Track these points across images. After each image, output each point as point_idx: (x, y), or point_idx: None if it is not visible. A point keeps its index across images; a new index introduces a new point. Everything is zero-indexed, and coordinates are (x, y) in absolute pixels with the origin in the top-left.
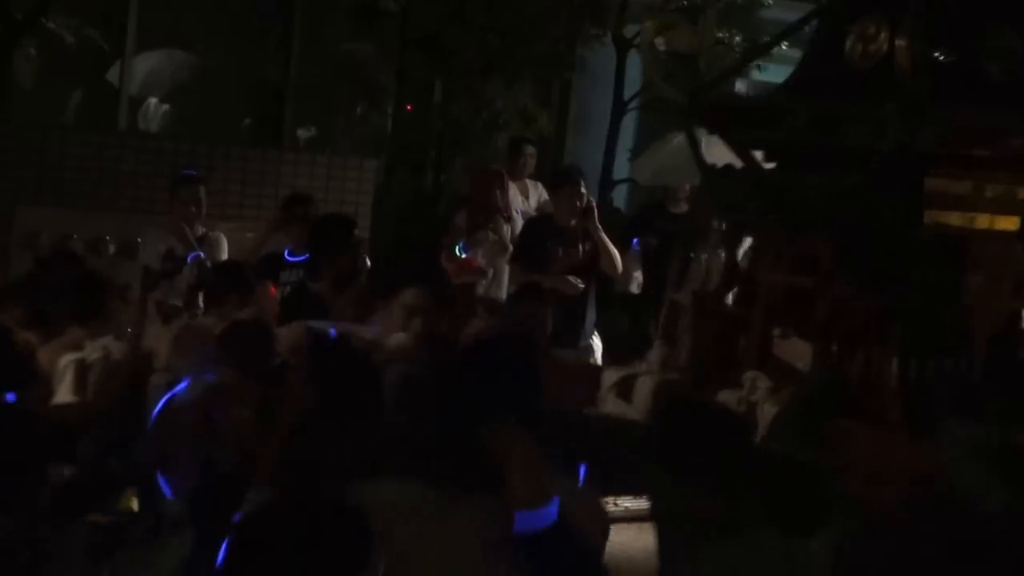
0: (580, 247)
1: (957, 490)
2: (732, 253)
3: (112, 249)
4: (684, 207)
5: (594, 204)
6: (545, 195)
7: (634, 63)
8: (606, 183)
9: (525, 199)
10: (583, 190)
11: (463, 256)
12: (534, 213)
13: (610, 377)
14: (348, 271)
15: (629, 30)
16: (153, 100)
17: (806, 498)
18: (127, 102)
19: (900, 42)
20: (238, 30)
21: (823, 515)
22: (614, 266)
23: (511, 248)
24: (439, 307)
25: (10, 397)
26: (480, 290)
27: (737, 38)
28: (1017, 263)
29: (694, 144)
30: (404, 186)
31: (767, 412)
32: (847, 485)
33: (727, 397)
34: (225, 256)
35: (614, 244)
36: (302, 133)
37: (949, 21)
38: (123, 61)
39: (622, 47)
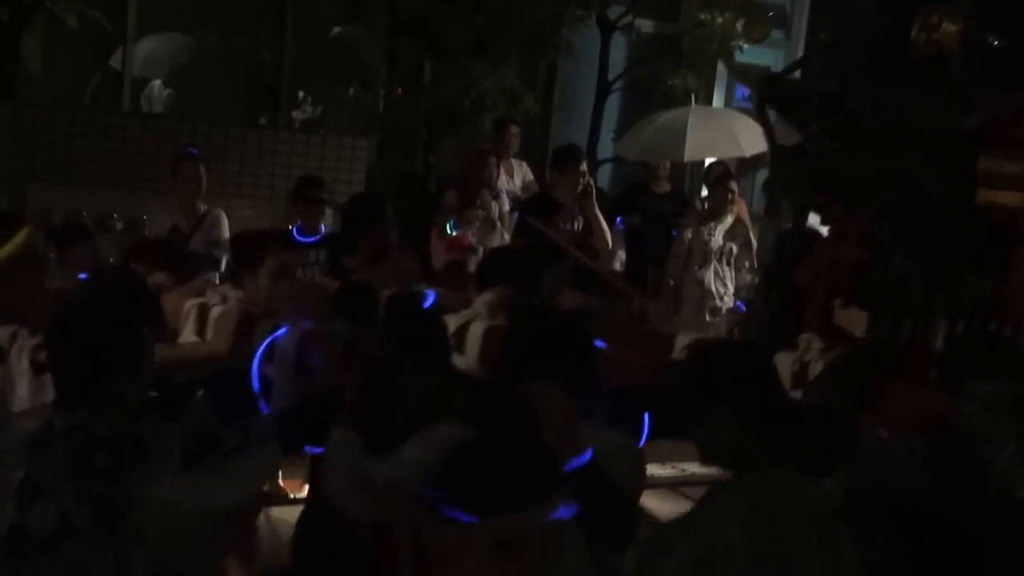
0: (575, 224)
1: (975, 442)
2: (799, 229)
3: (120, 225)
4: (666, 186)
5: (593, 185)
6: (530, 174)
7: (618, 45)
8: (591, 163)
9: (510, 178)
10: (584, 169)
11: (454, 234)
12: (519, 192)
13: (682, 341)
14: (381, 245)
15: (613, 11)
16: (156, 82)
17: (824, 438)
18: (130, 84)
19: (951, 27)
20: (235, 13)
21: (839, 455)
22: (606, 243)
23: (499, 226)
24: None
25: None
26: (471, 267)
27: (719, 19)
28: None
29: (767, 127)
30: (395, 165)
31: (818, 370)
32: (874, 431)
33: (784, 357)
34: (226, 233)
35: None
36: (297, 114)
37: (1002, 7)
38: (125, 45)
39: (606, 29)
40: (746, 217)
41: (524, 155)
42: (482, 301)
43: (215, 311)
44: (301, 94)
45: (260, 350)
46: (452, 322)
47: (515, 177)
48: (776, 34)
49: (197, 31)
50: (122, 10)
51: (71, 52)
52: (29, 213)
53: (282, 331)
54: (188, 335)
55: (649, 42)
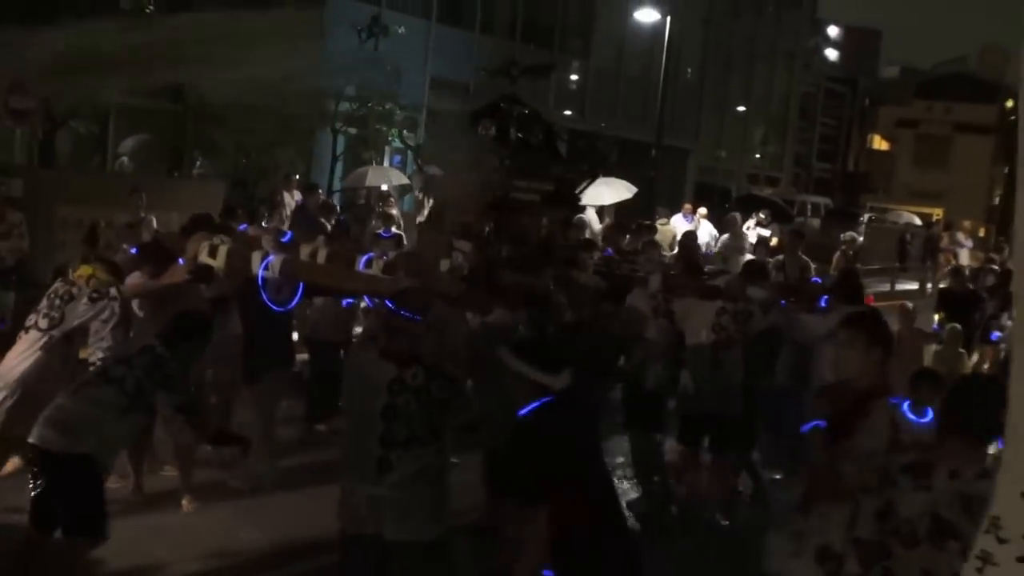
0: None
1: (551, 293)
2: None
3: (103, 224)
4: (363, 200)
5: (328, 200)
6: (300, 198)
7: (341, 139)
8: (329, 192)
9: (292, 200)
10: (321, 193)
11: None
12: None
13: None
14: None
15: (337, 125)
16: (125, 158)
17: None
18: (112, 160)
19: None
20: (159, 128)
21: (534, 301)
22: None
23: (287, 223)
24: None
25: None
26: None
27: (385, 128)
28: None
29: (466, 170)
30: (236, 195)
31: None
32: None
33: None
34: (154, 227)
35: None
36: (196, 170)
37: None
38: (107, 142)
39: (335, 133)
40: (397, 214)
41: (299, 188)
42: (320, 240)
43: (221, 247)
44: (198, 162)
45: (263, 264)
46: (306, 249)
47: (295, 199)
48: (410, 134)
49: (145, 132)
50: (106, 127)
51: (81, 146)
52: (55, 222)
53: (271, 257)
54: (203, 258)
55: (355, 138)
